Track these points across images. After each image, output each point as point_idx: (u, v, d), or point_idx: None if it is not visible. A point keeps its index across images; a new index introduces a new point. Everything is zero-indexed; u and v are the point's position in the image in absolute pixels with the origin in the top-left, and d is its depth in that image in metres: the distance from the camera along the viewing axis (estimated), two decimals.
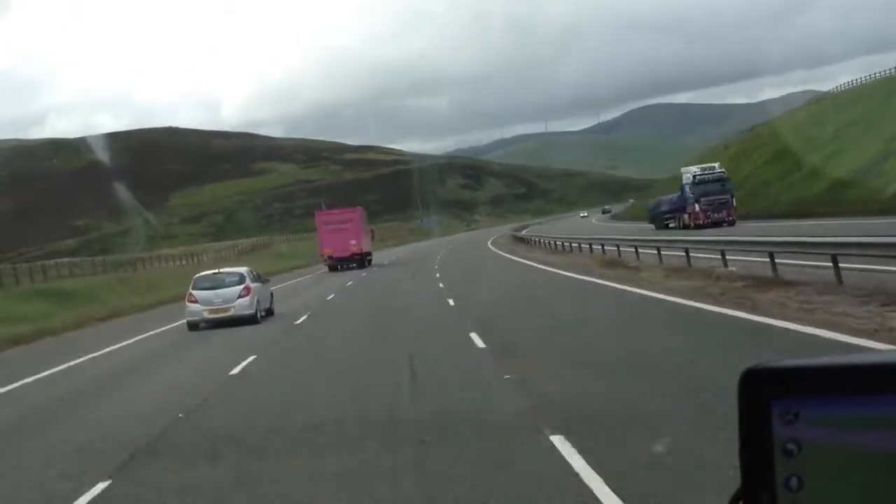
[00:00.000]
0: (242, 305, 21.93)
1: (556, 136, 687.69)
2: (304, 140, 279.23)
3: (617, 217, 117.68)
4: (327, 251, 52.64)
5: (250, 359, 14.78)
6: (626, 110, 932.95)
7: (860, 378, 0.97)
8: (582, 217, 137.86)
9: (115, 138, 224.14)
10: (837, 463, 0.96)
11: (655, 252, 25.67)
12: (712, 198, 45.89)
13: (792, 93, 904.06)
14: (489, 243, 70.67)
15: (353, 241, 51.95)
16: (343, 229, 52.11)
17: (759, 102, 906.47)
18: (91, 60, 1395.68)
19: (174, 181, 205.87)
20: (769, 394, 1.00)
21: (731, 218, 44.95)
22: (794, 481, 0.98)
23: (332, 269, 51.94)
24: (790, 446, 0.99)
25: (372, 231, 61.29)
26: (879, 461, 0.94)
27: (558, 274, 27.93)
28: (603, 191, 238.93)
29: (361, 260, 52.56)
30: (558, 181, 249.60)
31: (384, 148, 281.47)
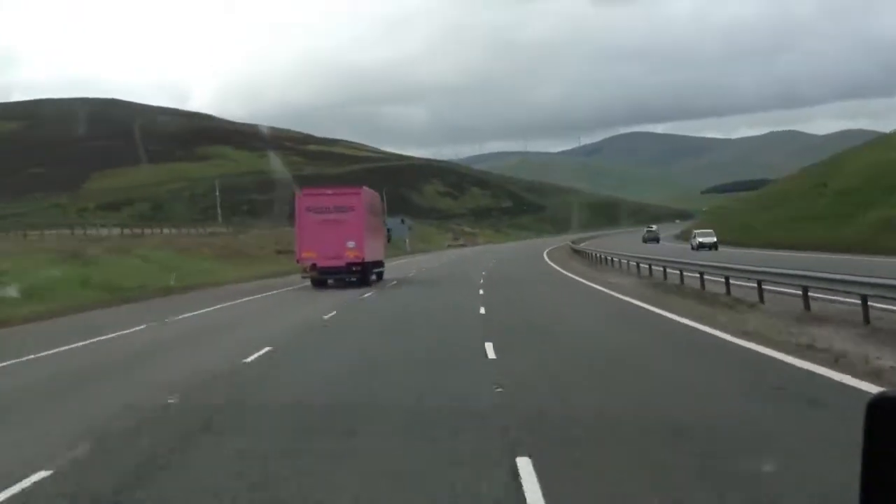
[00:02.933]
0: None
1: (535, 155, 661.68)
2: (267, 127, 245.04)
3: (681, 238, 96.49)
4: (308, 255, 33.37)
5: None
6: (606, 136, 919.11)
7: None
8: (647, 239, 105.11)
9: (37, 106, 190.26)
10: None
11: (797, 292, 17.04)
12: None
13: (774, 131, 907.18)
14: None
15: (353, 243, 33.43)
16: (338, 222, 33.52)
17: (737, 139, 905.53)
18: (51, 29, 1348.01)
19: (98, 160, 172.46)
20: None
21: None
22: None
23: (317, 283, 33.95)
24: None
25: (388, 231, 44.30)
26: None
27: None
28: (599, 212, 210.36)
29: (364, 272, 34.03)
30: (550, 197, 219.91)
31: (355, 143, 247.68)
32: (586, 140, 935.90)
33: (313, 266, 33.09)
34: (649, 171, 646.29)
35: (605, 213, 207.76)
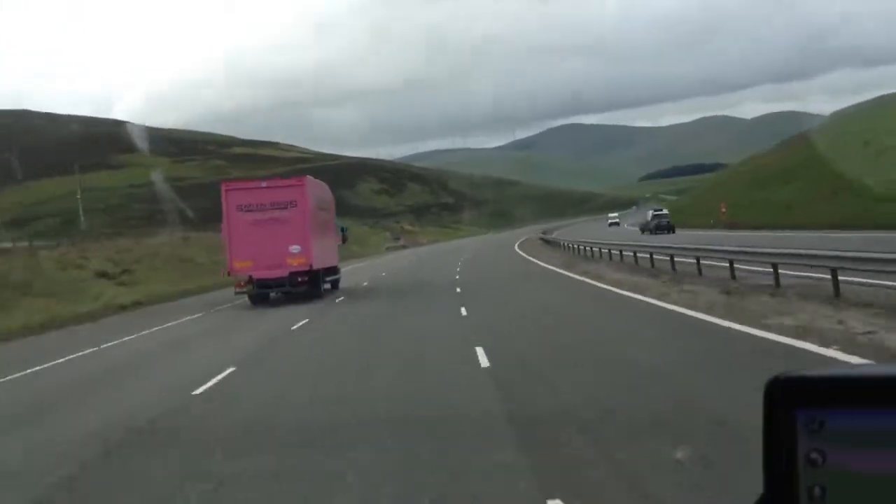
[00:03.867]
0: None
1: (473, 151, 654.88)
2: (186, 131, 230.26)
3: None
4: (242, 265, 27.65)
5: None
6: (541, 129, 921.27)
7: (888, 390, 0.96)
8: (611, 223, 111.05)
9: None
10: (861, 474, 0.95)
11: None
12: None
13: (704, 117, 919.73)
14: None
15: (297, 247, 27.56)
16: (278, 222, 27.65)
17: (668, 126, 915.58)
18: None
19: (3, 174, 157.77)
20: (794, 403, 0.99)
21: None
22: (817, 491, 0.97)
23: (256, 299, 28.12)
24: (814, 455, 0.97)
25: (343, 231, 37.12)
26: None
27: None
28: (543, 204, 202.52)
29: (314, 283, 28.37)
30: (492, 191, 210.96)
31: (284, 144, 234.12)
32: (521, 134, 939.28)
33: (250, 279, 27.72)
34: (585, 161, 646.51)
35: (550, 205, 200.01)
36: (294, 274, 27.66)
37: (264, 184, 30.08)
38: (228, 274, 28.46)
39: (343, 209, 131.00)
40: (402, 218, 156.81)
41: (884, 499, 0.92)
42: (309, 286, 28.13)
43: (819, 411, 0.96)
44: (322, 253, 29.63)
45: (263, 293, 28.26)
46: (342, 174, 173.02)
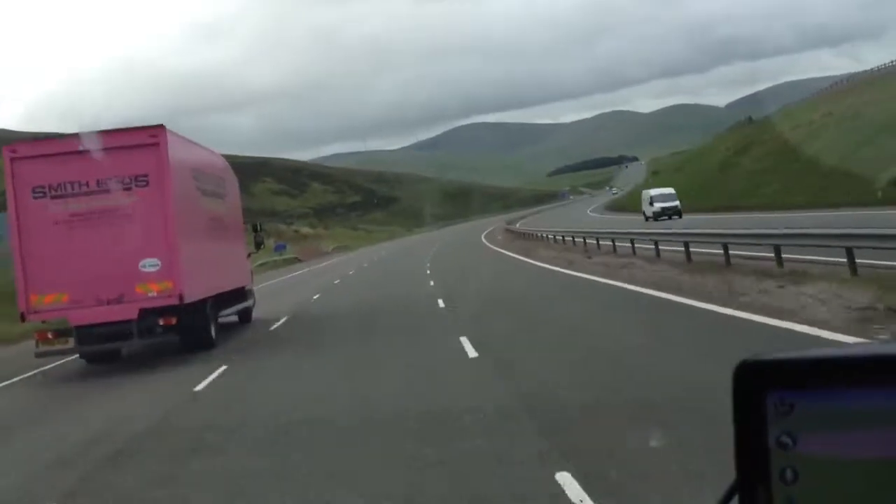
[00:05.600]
0: None
1: (375, 153, 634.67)
2: (54, 134, 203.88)
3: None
4: (45, 302, 15.15)
5: None
6: (443, 130, 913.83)
7: (857, 371, 0.96)
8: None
9: None
10: (832, 456, 0.95)
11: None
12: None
13: (602, 112, 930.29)
14: None
15: (153, 263, 15.28)
16: (111, 217, 15.30)
17: (569, 123, 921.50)
18: None
19: None
20: (763, 385, 0.98)
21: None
22: (789, 474, 0.97)
23: (92, 358, 16.46)
24: (785, 439, 0.97)
25: (258, 231, 25.28)
26: (874, 455, 0.93)
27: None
28: (459, 200, 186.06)
29: (194, 321, 16.05)
30: (404, 188, 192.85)
31: None
32: (424, 135, 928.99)
33: (63, 327, 15.48)
34: (492, 159, 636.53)
35: (467, 201, 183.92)
36: (149, 313, 15.21)
37: (86, 143, 15.43)
38: (22, 318, 15.59)
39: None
40: (303, 221, 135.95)
41: (855, 479, 0.92)
42: (183, 332, 15.74)
43: (788, 393, 0.96)
44: (209, 269, 17.32)
45: (99, 350, 15.93)
46: (236, 174, 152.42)
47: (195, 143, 19.24)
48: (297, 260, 71.65)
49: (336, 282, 35.47)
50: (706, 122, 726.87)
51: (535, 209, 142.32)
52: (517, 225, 74.62)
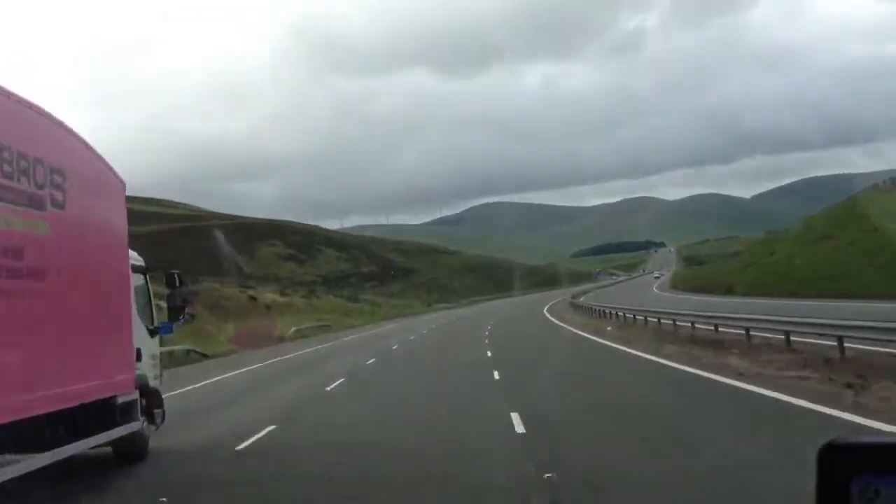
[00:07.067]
0: None
1: (397, 227, 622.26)
2: None
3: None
4: None
5: None
6: (466, 207, 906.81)
7: None
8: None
9: None
10: None
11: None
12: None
13: (627, 198, 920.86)
14: None
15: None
16: None
17: (594, 206, 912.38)
18: None
19: None
20: (849, 469, 0.96)
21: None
22: None
23: None
24: None
25: (174, 283, 13.86)
26: None
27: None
28: (485, 275, 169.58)
29: None
30: (422, 259, 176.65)
31: (167, 201, 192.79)
32: (447, 211, 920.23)
33: None
34: (515, 237, 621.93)
35: (494, 276, 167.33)
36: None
37: None
38: None
39: (236, 278, 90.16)
40: (304, 288, 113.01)
41: None
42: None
43: (873, 478, 0.92)
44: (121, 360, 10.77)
45: None
46: (241, 236, 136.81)
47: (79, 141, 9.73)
48: (193, 353, 37.02)
49: None
50: (732, 213, 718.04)
51: (581, 286, 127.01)
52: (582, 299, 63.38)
